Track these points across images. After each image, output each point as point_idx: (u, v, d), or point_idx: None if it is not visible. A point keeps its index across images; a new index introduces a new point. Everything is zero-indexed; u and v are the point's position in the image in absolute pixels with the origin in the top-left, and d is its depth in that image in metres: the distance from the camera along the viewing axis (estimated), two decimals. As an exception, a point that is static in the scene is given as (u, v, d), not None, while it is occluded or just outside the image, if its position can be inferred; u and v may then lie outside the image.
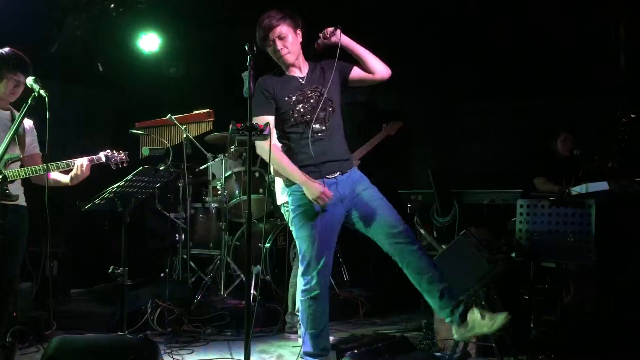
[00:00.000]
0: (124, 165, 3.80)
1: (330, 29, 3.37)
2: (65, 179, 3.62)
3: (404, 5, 5.95)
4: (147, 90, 6.48)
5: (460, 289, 3.51)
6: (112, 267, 3.85)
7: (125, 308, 3.94)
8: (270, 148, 3.19)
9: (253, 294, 4.74)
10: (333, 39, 3.36)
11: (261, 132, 2.98)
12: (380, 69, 3.43)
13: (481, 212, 5.17)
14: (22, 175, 3.49)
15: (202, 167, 5.72)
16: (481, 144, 6.48)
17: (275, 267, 5.28)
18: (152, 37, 6.26)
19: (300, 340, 4.26)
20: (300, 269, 3.47)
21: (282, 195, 4.18)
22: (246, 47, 3.02)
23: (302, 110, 3.39)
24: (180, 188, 5.59)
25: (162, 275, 5.61)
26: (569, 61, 5.85)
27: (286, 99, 3.39)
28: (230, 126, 2.96)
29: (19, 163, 3.54)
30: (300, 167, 3.38)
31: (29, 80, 3.40)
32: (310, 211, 3.35)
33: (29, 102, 3.36)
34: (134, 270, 4.18)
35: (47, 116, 3.25)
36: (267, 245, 5.30)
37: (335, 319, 4.42)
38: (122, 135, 5.40)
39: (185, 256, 5.52)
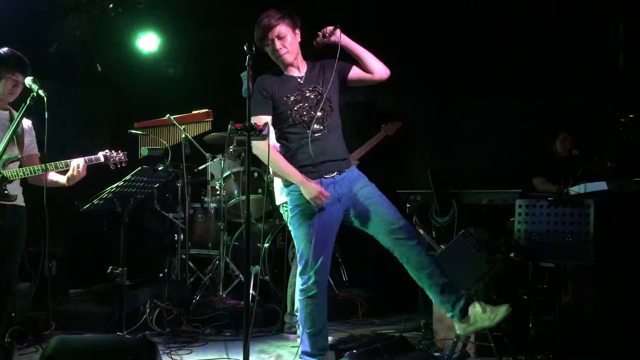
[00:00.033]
0: (123, 165, 3.80)
1: (330, 28, 3.37)
2: (62, 179, 3.62)
3: (404, 5, 5.95)
4: (146, 90, 6.48)
5: (460, 288, 3.51)
6: (110, 267, 3.85)
7: (124, 308, 3.94)
8: (268, 149, 3.20)
9: (252, 294, 4.74)
10: (333, 38, 3.36)
11: (260, 132, 2.98)
12: (379, 69, 3.44)
13: (480, 212, 5.17)
14: (21, 176, 3.49)
15: (200, 167, 5.72)
16: (481, 144, 6.48)
17: (274, 267, 5.28)
18: (151, 37, 6.26)
19: (299, 340, 4.26)
20: (299, 268, 3.48)
21: (281, 196, 4.18)
22: (245, 47, 3.02)
23: (300, 110, 3.39)
24: (179, 188, 5.59)
25: (160, 275, 5.61)
26: (569, 61, 5.85)
27: (284, 98, 3.39)
28: (229, 126, 2.96)
29: (17, 163, 3.54)
30: (299, 167, 3.38)
31: (28, 80, 3.40)
32: (308, 211, 3.36)
33: (28, 102, 3.36)
34: (132, 270, 4.17)
35: (46, 116, 3.25)
36: (266, 245, 5.30)
37: (334, 319, 4.42)
38: (121, 136, 5.40)
39: (184, 256, 5.51)
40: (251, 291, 4.65)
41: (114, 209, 3.88)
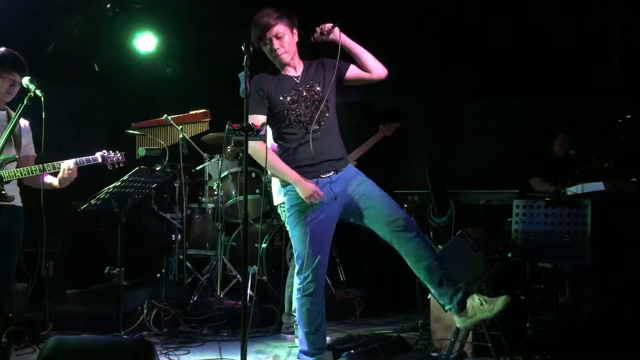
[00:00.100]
0: (121, 165, 3.79)
1: (328, 26, 3.36)
2: (55, 181, 3.58)
3: (404, 5, 5.95)
4: (143, 90, 6.47)
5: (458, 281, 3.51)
6: (108, 267, 3.85)
7: (121, 309, 3.93)
8: (264, 148, 3.20)
9: (249, 295, 4.74)
10: (331, 36, 3.36)
11: (257, 133, 2.98)
12: (377, 68, 3.44)
13: (477, 213, 5.18)
14: (18, 176, 3.48)
15: (198, 168, 5.71)
16: (481, 144, 6.48)
17: (271, 267, 5.28)
18: (149, 37, 6.25)
19: (296, 340, 4.26)
20: (296, 267, 3.48)
21: (279, 196, 4.18)
22: (242, 47, 3.02)
23: (297, 110, 3.39)
24: (177, 188, 5.59)
25: (158, 275, 5.61)
26: (569, 61, 5.86)
27: (281, 98, 3.39)
28: (227, 126, 2.96)
29: (15, 163, 3.53)
30: (296, 168, 3.38)
31: (25, 80, 3.39)
32: (305, 210, 3.36)
33: (25, 102, 3.35)
34: (130, 270, 4.17)
35: (43, 116, 3.24)
36: (264, 245, 5.30)
37: (331, 319, 4.42)
38: (118, 136, 5.40)
39: (181, 257, 5.51)
40: (249, 291, 4.65)
41: (112, 209, 3.88)
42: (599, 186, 4.59)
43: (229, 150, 5.51)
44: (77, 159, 3.60)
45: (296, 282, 3.53)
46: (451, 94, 6.51)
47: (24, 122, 3.62)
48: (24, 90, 3.41)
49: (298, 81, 3.44)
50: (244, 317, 2.94)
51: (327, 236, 3.43)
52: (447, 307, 3.35)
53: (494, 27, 5.91)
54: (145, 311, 4.73)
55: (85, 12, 5.78)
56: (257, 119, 3.30)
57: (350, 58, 3.44)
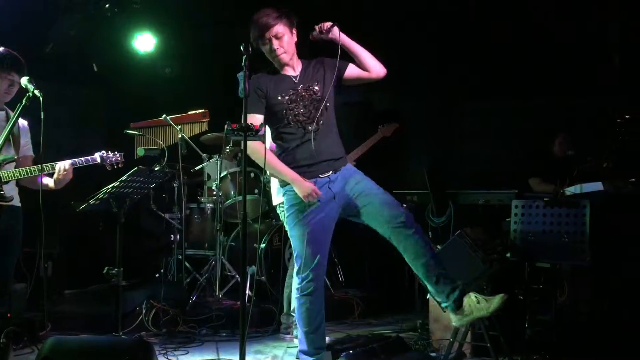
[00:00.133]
0: (120, 166, 3.79)
1: (327, 25, 3.36)
2: (52, 182, 3.58)
3: (404, 5, 5.96)
4: (142, 90, 6.47)
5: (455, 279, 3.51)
6: (106, 267, 3.84)
7: (120, 309, 3.93)
8: (262, 148, 3.20)
9: (248, 295, 4.75)
10: (330, 35, 3.36)
11: (256, 133, 2.98)
12: (376, 67, 3.44)
13: (476, 213, 5.18)
14: (17, 176, 3.47)
15: (197, 168, 5.71)
16: (481, 144, 6.49)
17: (270, 267, 5.28)
18: (147, 37, 6.25)
19: (295, 340, 4.26)
20: (295, 267, 3.48)
21: (278, 196, 4.18)
22: (241, 47, 3.02)
23: (295, 110, 3.39)
24: (176, 188, 5.59)
25: (157, 275, 5.61)
26: (569, 61, 5.86)
27: (279, 98, 3.39)
28: (226, 126, 2.96)
29: (13, 164, 3.53)
30: (295, 167, 3.38)
31: (24, 80, 3.39)
32: (304, 210, 3.36)
33: (24, 102, 3.35)
34: (128, 270, 4.17)
35: (42, 116, 3.24)
36: (262, 245, 5.30)
37: (330, 320, 4.42)
38: (117, 136, 5.39)
39: (180, 257, 5.51)
40: (247, 292, 4.65)
41: (110, 209, 3.87)
42: (597, 186, 4.60)
43: (227, 150, 5.51)
44: (76, 159, 3.59)
45: (296, 281, 3.53)
46: (451, 94, 6.51)
47: (22, 123, 3.62)
48: (23, 91, 3.41)
49: (296, 81, 3.43)
50: (243, 317, 2.94)
51: (326, 236, 3.43)
52: (443, 305, 3.35)
53: (494, 27, 5.91)
54: (144, 311, 4.73)
55: (84, 12, 5.78)
56: (255, 118, 3.30)
57: (348, 57, 3.44)
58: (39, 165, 3.47)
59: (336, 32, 3.36)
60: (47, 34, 5.82)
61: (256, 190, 5.51)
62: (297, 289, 3.47)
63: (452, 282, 3.31)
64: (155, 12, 6.12)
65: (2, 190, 3.43)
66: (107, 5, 5.75)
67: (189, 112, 5.52)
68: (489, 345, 3.61)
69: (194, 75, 6.66)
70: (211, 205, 5.64)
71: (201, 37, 6.55)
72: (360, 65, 3.44)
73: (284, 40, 3.36)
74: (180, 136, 5.27)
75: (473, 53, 6.10)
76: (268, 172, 3.73)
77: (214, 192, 5.50)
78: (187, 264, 5.54)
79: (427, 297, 3.80)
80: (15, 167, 3.52)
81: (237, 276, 5.29)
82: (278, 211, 4.28)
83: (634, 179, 4.63)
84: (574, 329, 4.13)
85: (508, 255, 3.77)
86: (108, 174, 3.82)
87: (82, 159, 3.63)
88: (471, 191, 5.32)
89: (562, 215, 3.66)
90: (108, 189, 3.77)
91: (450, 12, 5.94)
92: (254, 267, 5.08)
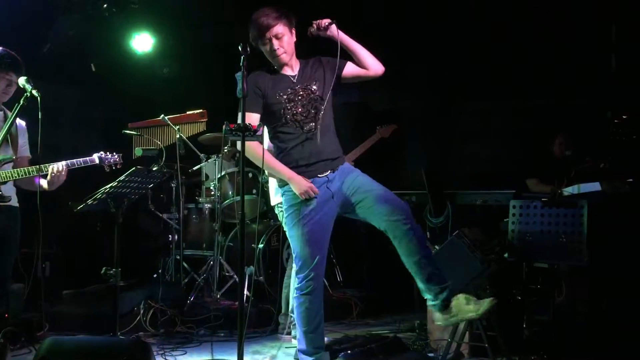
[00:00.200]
0: (118, 167, 3.79)
1: (325, 22, 3.36)
2: (45, 183, 3.56)
3: (403, 5, 5.96)
4: (140, 90, 6.47)
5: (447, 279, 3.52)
6: (104, 268, 3.83)
7: (118, 309, 3.92)
8: (259, 148, 3.21)
9: (246, 295, 4.74)
10: (328, 33, 3.36)
11: (254, 133, 2.98)
12: (374, 65, 3.43)
13: (474, 213, 5.19)
14: (15, 177, 3.47)
15: (195, 168, 5.71)
16: (481, 144, 6.50)
17: (268, 267, 5.28)
18: (145, 37, 6.24)
19: (293, 341, 4.26)
20: (294, 267, 3.48)
21: (276, 196, 4.18)
22: (239, 47, 3.01)
23: (293, 109, 3.39)
24: (174, 189, 5.59)
25: (154, 276, 5.60)
26: (569, 61, 5.87)
27: (277, 97, 3.38)
28: (224, 127, 2.96)
29: (11, 164, 3.52)
30: (293, 168, 3.38)
31: (21, 80, 3.39)
32: (303, 210, 3.36)
33: (21, 102, 3.34)
34: (126, 271, 4.15)
35: (40, 117, 3.23)
36: (261, 246, 5.30)
37: (328, 320, 4.42)
38: (115, 136, 5.39)
39: (178, 257, 5.50)
40: (245, 292, 4.64)
41: (108, 209, 3.86)
42: (595, 186, 4.61)
43: (225, 150, 5.51)
44: (74, 160, 3.59)
45: (295, 281, 3.53)
46: (451, 93, 6.52)
47: (20, 123, 3.61)
48: (21, 91, 3.40)
49: (295, 80, 3.43)
50: (241, 317, 2.94)
51: (325, 235, 3.43)
52: (431, 303, 3.35)
53: (494, 27, 5.92)
54: (141, 312, 4.72)
55: (82, 12, 5.77)
56: (252, 117, 3.30)
57: (345, 55, 3.43)
58: (37, 166, 3.47)
59: (334, 30, 3.36)
60: (46, 34, 5.81)
61: (254, 191, 5.51)
62: (297, 288, 3.46)
63: (443, 281, 3.31)
64: (154, 12, 6.12)
65: (0, 191, 3.42)
66: (105, 5, 5.75)
67: (187, 112, 5.52)
68: (486, 345, 3.61)
69: (192, 75, 6.65)
70: (209, 205, 5.64)
71: (199, 37, 6.55)
72: (358, 63, 3.44)
73: (284, 41, 3.36)
74: (178, 136, 5.27)
75: (473, 53, 6.10)
76: (266, 172, 3.73)
77: (212, 193, 5.50)
78: (185, 264, 5.53)
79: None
80: (12, 168, 3.51)
81: (235, 276, 5.28)
82: (276, 211, 4.28)
83: (631, 179, 4.64)
84: (571, 329, 4.13)
85: (506, 255, 3.77)
86: (106, 174, 3.82)
87: (81, 159, 3.62)
88: (469, 191, 5.33)
89: (560, 216, 3.67)
90: (106, 189, 3.76)
91: (450, 12, 5.95)
92: (252, 268, 5.08)
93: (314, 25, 3.38)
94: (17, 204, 3.56)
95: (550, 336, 3.77)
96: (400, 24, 6.15)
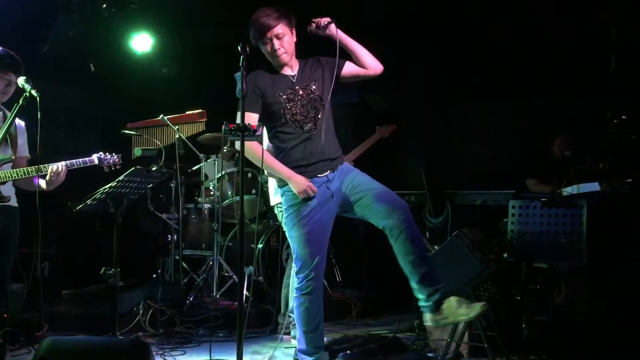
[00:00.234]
0: (117, 168, 3.79)
1: (324, 21, 3.36)
2: (44, 183, 3.55)
3: (403, 5, 5.96)
4: (139, 90, 6.46)
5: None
6: (103, 268, 3.83)
7: (117, 309, 3.92)
8: (258, 147, 3.21)
9: (245, 295, 4.74)
10: (327, 32, 3.36)
11: (254, 133, 2.98)
12: (373, 64, 3.44)
13: (473, 213, 5.19)
14: (15, 177, 3.46)
15: (194, 168, 5.71)
16: (481, 144, 6.50)
17: (267, 268, 5.28)
18: (145, 38, 6.24)
19: (292, 341, 4.26)
20: (294, 268, 3.48)
21: (275, 196, 4.18)
22: (239, 47, 3.01)
23: (293, 109, 3.39)
24: (173, 189, 5.58)
25: (154, 276, 5.60)
26: (569, 61, 5.87)
27: (277, 97, 3.38)
28: (223, 126, 2.96)
29: (11, 164, 3.52)
30: (292, 167, 3.38)
31: (20, 80, 3.38)
32: (302, 210, 3.36)
33: (20, 102, 3.34)
34: (125, 271, 4.15)
35: (39, 117, 3.23)
36: (260, 246, 5.30)
37: (327, 320, 4.42)
38: (115, 136, 5.39)
39: (177, 257, 5.50)
40: (245, 292, 4.63)
41: (107, 209, 3.86)
42: (594, 187, 4.61)
43: (225, 150, 5.51)
44: (74, 160, 3.58)
45: (295, 281, 3.53)
46: (451, 94, 6.52)
47: (19, 123, 3.61)
48: (20, 91, 3.40)
49: (294, 80, 3.43)
50: (240, 317, 2.94)
51: (325, 235, 3.43)
52: (422, 304, 3.34)
53: (494, 27, 5.92)
54: (141, 312, 4.72)
55: (81, 12, 5.76)
56: (251, 117, 3.30)
57: (344, 54, 3.43)
58: (37, 166, 3.46)
59: (333, 29, 3.36)
60: (45, 34, 5.81)
61: (253, 191, 5.51)
62: (297, 288, 3.46)
63: (436, 283, 3.31)
64: (153, 12, 6.12)
65: (0, 191, 3.42)
66: (105, 5, 5.74)
67: (187, 112, 5.52)
68: (486, 345, 3.61)
69: (191, 75, 6.65)
70: (208, 205, 5.64)
71: (198, 37, 6.55)
72: (357, 62, 3.44)
73: (284, 41, 3.35)
74: (177, 136, 5.27)
75: (473, 53, 6.10)
76: (266, 172, 3.73)
77: (212, 193, 5.50)
78: (185, 265, 5.53)
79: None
80: (11, 168, 3.51)
81: (235, 276, 5.28)
82: (276, 211, 4.28)
83: (630, 180, 4.64)
84: (571, 329, 4.13)
85: (505, 255, 3.77)
86: (105, 174, 3.81)
87: (80, 160, 3.62)
88: (468, 192, 5.33)
89: (559, 216, 3.67)
90: (105, 189, 3.76)
91: (450, 12, 5.95)
92: (251, 268, 5.08)
93: (313, 24, 3.38)
94: (16, 204, 3.55)
95: (549, 336, 3.77)
96: (400, 24, 6.15)
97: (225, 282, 5.36)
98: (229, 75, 3.22)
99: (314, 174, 3.38)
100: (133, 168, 3.78)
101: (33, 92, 3.30)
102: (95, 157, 3.70)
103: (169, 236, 5.63)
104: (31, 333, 4.35)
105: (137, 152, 5.13)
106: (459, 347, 3.82)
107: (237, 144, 3.10)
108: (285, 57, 3.39)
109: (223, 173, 5.49)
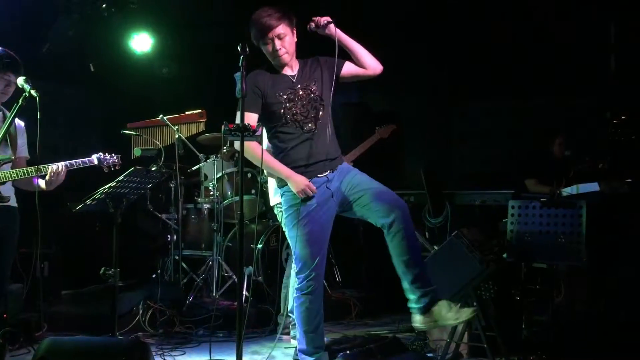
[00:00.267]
0: (117, 168, 3.79)
1: (324, 20, 3.36)
2: (43, 184, 3.55)
3: (403, 5, 5.96)
4: (139, 90, 6.46)
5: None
6: (103, 268, 3.83)
7: (117, 309, 3.92)
8: (257, 147, 3.21)
9: (245, 295, 4.74)
10: (327, 31, 3.36)
11: (253, 133, 2.98)
12: (372, 64, 3.44)
13: (473, 213, 5.19)
14: (14, 177, 3.46)
15: (194, 168, 5.71)
16: (481, 144, 6.50)
17: (267, 268, 5.28)
18: (144, 37, 6.24)
19: (292, 341, 4.27)
20: (295, 268, 3.48)
21: (275, 196, 4.18)
22: (238, 47, 3.01)
23: (293, 109, 3.38)
24: (172, 189, 5.58)
25: (153, 276, 5.60)
26: (568, 61, 5.88)
27: (277, 97, 3.38)
28: (223, 127, 2.96)
29: (10, 164, 3.52)
30: (292, 168, 3.38)
31: (20, 80, 3.38)
32: (302, 211, 3.36)
33: (20, 102, 3.34)
34: (125, 271, 4.16)
35: (38, 117, 3.23)
36: (259, 246, 5.30)
37: (327, 320, 4.41)
38: (114, 136, 5.39)
39: (177, 257, 5.50)
40: (244, 292, 4.64)
41: (107, 209, 3.86)
42: (593, 187, 4.61)
43: (224, 150, 5.51)
44: (73, 161, 3.58)
45: (295, 281, 3.53)
46: (451, 94, 6.52)
47: (19, 123, 3.61)
48: (19, 91, 3.40)
49: (294, 80, 3.43)
50: (240, 317, 2.94)
51: (325, 235, 3.43)
52: (412, 305, 3.35)
53: (494, 27, 5.92)
54: (140, 312, 4.72)
55: (81, 12, 5.76)
56: (251, 117, 3.30)
57: (344, 54, 3.43)
58: (36, 166, 3.46)
59: (332, 29, 3.35)
60: (45, 34, 5.81)
61: (253, 191, 5.51)
62: (297, 288, 3.46)
63: (428, 285, 3.31)
64: (152, 12, 6.12)
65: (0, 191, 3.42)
66: (104, 6, 5.74)
67: (186, 113, 5.52)
68: (485, 345, 3.61)
69: (191, 75, 6.65)
70: (208, 205, 5.64)
71: (198, 37, 6.55)
72: (357, 62, 3.44)
73: (285, 41, 3.35)
74: (177, 136, 5.26)
75: (473, 53, 6.10)
76: (265, 172, 3.73)
77: (211, 193, 5.50)
78: (184, 265, 5.53)
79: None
80: (11, 168, 3.51)
81: (234, 277, 5.28)
82: (275, 211, 4.28)
83: (630, 180, 4.64)
84: (570, 330, 4.13)
85: (504, 255, 3.77)
86: (105, 174, 3.81)
87: (80, 160, 3.62)
88: (468, 192, 5.33)
89: (559, 216, 3.67)
90: (105, 189, 3.76)
91: (449, 12, 5.95)
92: (251, 268, 5.07)
93: (313, 23, 3.38)
94: (15, 204, 3.55)
95: (549, 336, 3.77)
96: (400, 24, 6.15)
97: (224, 283, 5.35)
98: (229, 76, 3.22)
99: (314, 174, 3.38)
100: (132, 168, 3.78)
101: (33, 92, 3.30)
102: (94, 158, 3.69)
103: (169, 236, 5.63)
104: (31, 333, 4.34)
105: (136, 152, 5.13)
106: (458, 347, 3.82)
107: (237, 144, 3.10)
108: (286, 58, 3.39)
109: (223, 173, 5.49)
